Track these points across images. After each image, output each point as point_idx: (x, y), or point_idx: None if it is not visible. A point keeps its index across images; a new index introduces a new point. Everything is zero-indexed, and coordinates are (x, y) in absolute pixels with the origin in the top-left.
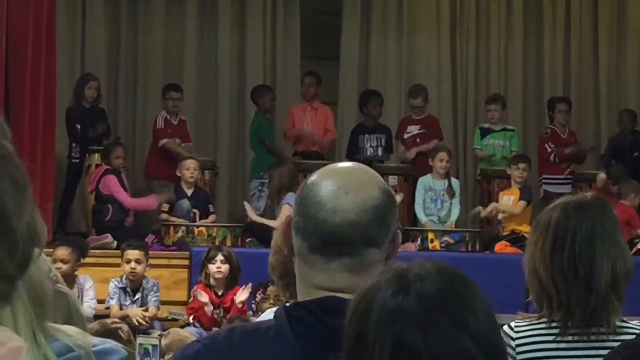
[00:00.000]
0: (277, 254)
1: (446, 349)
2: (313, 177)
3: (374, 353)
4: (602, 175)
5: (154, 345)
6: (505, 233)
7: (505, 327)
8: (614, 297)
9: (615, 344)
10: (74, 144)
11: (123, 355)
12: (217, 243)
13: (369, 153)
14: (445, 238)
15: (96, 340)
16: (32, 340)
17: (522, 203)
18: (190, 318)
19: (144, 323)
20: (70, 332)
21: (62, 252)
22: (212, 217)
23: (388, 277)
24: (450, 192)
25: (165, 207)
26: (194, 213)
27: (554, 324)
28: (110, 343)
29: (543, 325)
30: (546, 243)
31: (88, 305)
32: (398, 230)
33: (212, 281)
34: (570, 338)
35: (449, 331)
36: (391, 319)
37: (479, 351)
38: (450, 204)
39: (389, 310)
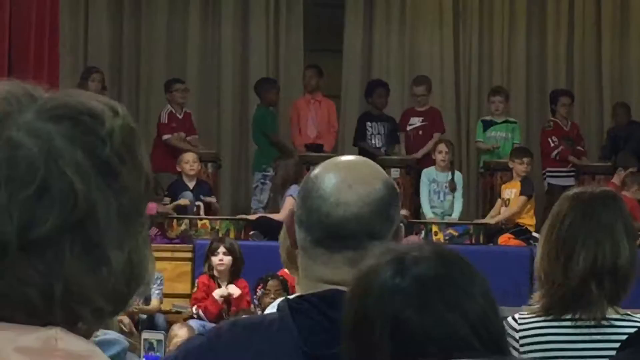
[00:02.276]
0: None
1: (439, 329)
2: (316, 171)
3: (374, 331)
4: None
5: (158, 341)
6: (509, 226)
7: (509, 319)
8: (593, 286)
9: (613, 335)
10: None
11: (125, 345)
12: (220, 236)
13: (373, 141)
14: (449, 231)
15: (98, 331)
16: None
17: (522, 199)
18: (194, 308)
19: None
20: None
21: None
22: (216, 205)
23: (387, 260)
24: (452, 186)
25: (167, 200)
26: (198, 206)
27: (551, 316)
28: (112, 334)
29: (550, 317)
30: (559, 232)
31: None
32: (401, 224)
33: (215, 273)
34: (573, 330)
35: (442, 312)
36: (389, 298)
37: (473, 334)
38: (453, 197)
39: (387, 290)
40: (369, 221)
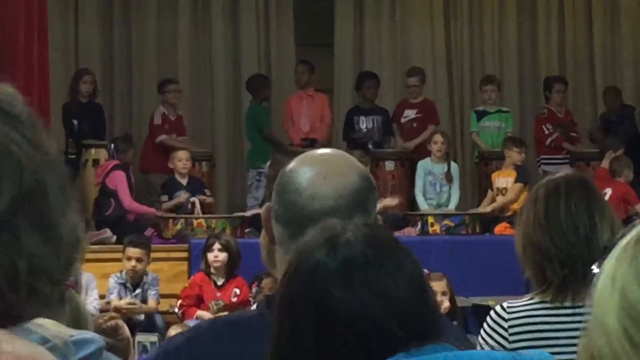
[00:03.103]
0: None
1: (361, 310)
2: (291, 165)
3: (299, 309)
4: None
5: (152, 342)
6: (505, 214)
7: (497, 308)
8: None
9: None
10: (70, 140)
11: (101, 344)
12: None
13: (364, 132)
14: (446, 222)
15: (73, 331)
16: None
17: (518, 186)
18: (177, 305)
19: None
20: (44, 324)
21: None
22: (209, 199)
23: (320, 242)
24: (449, 177)
25: (165, 198)
26: (192, 203)
27: (549, 298)
28: (88, 333)
29: (547, 305)
30: (538, 210)
31: (92, 306)
32: (378, 215)
33: (212, 270)
34: (569, 311)
35: (366, 294)
36: (316, 277)
37: (394, 318)
38: (450, 188)
39: (316, 269)
40: (346, 213)
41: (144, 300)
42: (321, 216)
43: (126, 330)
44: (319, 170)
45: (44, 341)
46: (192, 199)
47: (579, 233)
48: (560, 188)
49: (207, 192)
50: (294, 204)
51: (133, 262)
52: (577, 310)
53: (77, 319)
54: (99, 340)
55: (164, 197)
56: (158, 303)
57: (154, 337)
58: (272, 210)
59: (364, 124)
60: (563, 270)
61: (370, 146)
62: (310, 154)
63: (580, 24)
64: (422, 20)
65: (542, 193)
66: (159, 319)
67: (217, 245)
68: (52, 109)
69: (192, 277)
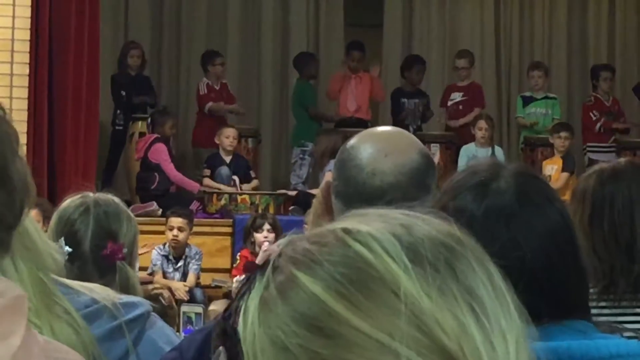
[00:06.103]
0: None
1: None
2: (352, 141)
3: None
4: None
5: (197, 314)
6: None
7: None
8: None
9: None
10: (118, 112)
11: (148, 308)
12: (260, 211)
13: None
14: None
15: (122, 295)
16: (41, 285)
17: (565, 175)
18: (235, 279)
19: (185, 298)
20: (93, 288)
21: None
22: (254, 182)
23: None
24: None
25: (207, 172)
26: (234, 180)
27: (594, 297)
28: (135, 297)
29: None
30: (584, 213)
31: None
32: (437, 193)
33: (257, 249)
34: (617, 311)
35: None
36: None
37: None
38: None
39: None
40: (405, 190)
41: (186, 273)
42: (381, 192)
43: (172, 300)
44: (380, 147)
45: (94, 302)
46: (233, 177)
47: (619, 244)
48: (606, 187)
49: (252, 173)
50: (355, 179)
51: (175, 232)
52: (622, 302)
53: (126, 288)
54: (146, 304)
55: (206, 171)
56: (198, 278)
57: (199, 309)
58: (332, 185)
59: (406, 106)
60: (603, 280)
61: (412, 129)
62: (371, 131)
63: (630, 12)
64: (472, 3)
65: (590, 192)
66: (198, 293)
67: (266, 226)
68: (101, 81)
69: (239, 254)
